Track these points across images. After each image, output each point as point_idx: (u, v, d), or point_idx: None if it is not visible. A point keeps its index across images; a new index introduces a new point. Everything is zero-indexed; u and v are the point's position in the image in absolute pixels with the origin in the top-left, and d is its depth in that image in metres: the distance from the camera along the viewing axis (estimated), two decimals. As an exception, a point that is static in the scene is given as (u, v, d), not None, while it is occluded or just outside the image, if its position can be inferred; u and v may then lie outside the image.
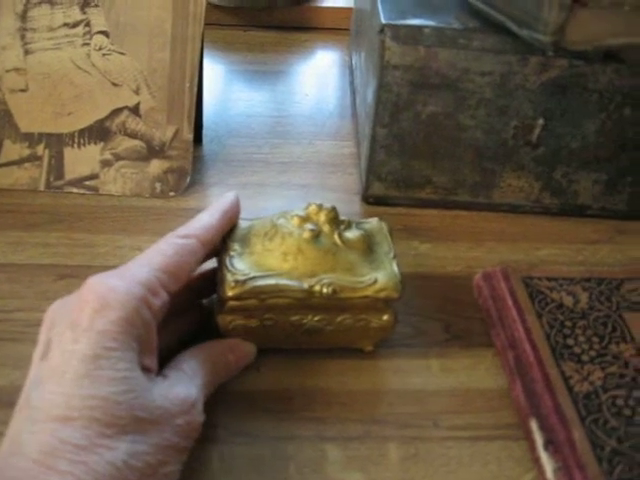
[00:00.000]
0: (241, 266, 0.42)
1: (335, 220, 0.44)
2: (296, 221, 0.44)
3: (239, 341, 0.43)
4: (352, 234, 0.44)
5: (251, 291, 0.41)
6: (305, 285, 0.42)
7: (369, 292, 0.42)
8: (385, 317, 0.44)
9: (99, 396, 0.32)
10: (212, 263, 0.46)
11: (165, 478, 0.34)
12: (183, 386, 0.37)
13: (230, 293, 0.41)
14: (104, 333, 0.34)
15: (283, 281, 0.42)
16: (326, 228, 0.44)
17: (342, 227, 0.44)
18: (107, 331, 0.34)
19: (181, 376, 0.38)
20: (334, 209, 0.44)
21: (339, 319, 0.43)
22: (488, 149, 0.56)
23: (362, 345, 0.46)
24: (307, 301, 0.42)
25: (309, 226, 0.43)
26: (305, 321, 0.43)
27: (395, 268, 0.43)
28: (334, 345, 0.46)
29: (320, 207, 0.44)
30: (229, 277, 0.41)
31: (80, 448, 0.31)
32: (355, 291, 0.42)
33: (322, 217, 0.44)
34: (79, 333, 0.34)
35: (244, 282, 0.41)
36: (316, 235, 0.43)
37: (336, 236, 0.43)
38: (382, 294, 0.42)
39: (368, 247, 0.44)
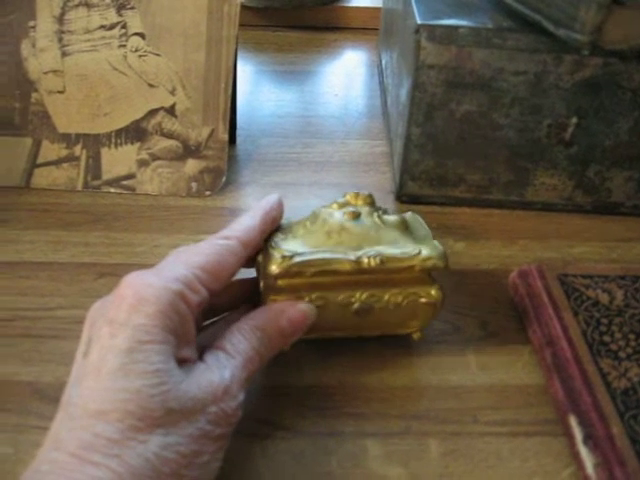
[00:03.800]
0: (286, 246, 0.43)
1: (373, 205, 0.46)
2: (336, 206, 0.45)
3: (293, 303, 0.42)
4: (390, 217, 0.45)
5: (298, 265, 0.41)
6: (352, 256, 0.42)
7: (415, 262, 0.42)
8: (433, 292, 0.44)
9: (132, 389, 0.33)
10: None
11: (202, 468, 0.34)
12: (217, 371, 0.36)
13: (277, 270, 0.41)
14: (139, 327, 0.34)
15: (330, 254, 0.42)
16: (365, 210, 0.45)
17: (380, 212, 0.45)
18: (142, 325, 0.34)
19: (219, 358, 0.37)
20: (371, 195, 0.46)
21: (387, 296, 0.43)
22: (522, 148, 0.56)
23: (411, 327, 0.46)
24: (355, 276, 0.42)
25: (350, 208, 0.44)
26: (354, 299, 0.43)
27: (437, 244, 0.44)
28: (383, 329, 0.46)
29: (357, 194, 0.46)
30: (276, 254, 0.42)
31: (113, 442, 0.31)
32: (402, 261, 0.42)
33: (360, 202, 0.45)
34: (116, 328, 0.34)
35: (291, 257, 0.41)
36: (357, 215, 0.44)
37: (376, 216, 0.44)
38: (429, 263, 0.42)
39: (407, 229, 0.45)
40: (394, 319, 0.45)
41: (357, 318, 0.44)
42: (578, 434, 0.40)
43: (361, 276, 0.42)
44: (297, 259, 0.41)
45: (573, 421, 0.41)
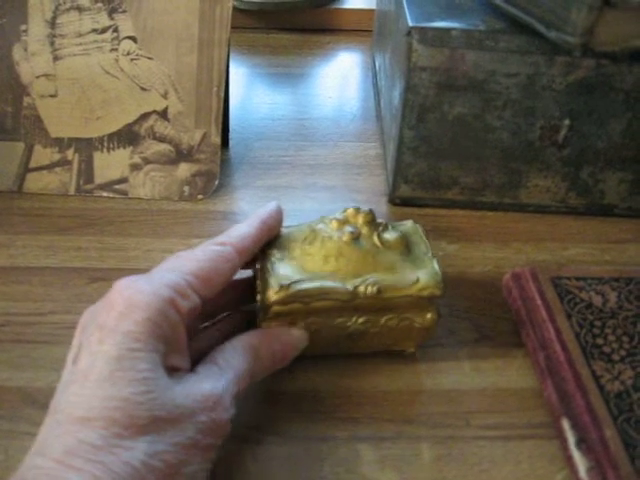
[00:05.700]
0: (283, 270, 0.42)
1: (373, 222, 0.44)
2: (335, 224, 0.44)
3: (287, 329, 0.43)
4: (390, 235, 0.44)
5: (295, 295, 0.41)
6: (349, 286, 0.42)
7: (412, 291, 0.42)
8: (428, 316, 0.44)
9: (119, 397, 0.32)
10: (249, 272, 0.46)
11: (189, 478, 0.34)
12: (210, 382, 0.36)
13: (275, 298, 0.41)
14: (128, 334, 0.34)
15: (327, 283, 0.42)
16: (365, 230, 0.44)
17: (380, 229, 0.45)
18: (131, 332, 0.34)
19: (212, 370, 0.37)
20: (371, 212, 0.45)
21: (383, 320, 0.43)
22: (514, 150, 0.56)
23: (405, 346, 0.46)
24: (351, 303, 0.42)
25: (348, 228, 0.43)
26: (349, 324, 0.43)
27: (436, 266, 0.43)
28: (377, 348, 0.46)
29: (357, 210, 0.44)
30: (273, 282, 0.41)
31: (97, 448, 0.31)
32: (399, 290, 0.42)
33: (360, 220, 0.44)
34: (105, 334, 0.34)
35: (288, 286, 0.41)
36: (356, 237, 0.43)
37: (375, 237, 0.44)
38: (425, 292, 0.42)
39: (406, 248, 0.45)
40: (387, 340, 0.45)
41: (350, 340, 0.44)
42: (571, 437, 0.40)
43: (357, 302, 0.42)
44: (294, 288, 0.41)
45: (566, 424, 0.41)
